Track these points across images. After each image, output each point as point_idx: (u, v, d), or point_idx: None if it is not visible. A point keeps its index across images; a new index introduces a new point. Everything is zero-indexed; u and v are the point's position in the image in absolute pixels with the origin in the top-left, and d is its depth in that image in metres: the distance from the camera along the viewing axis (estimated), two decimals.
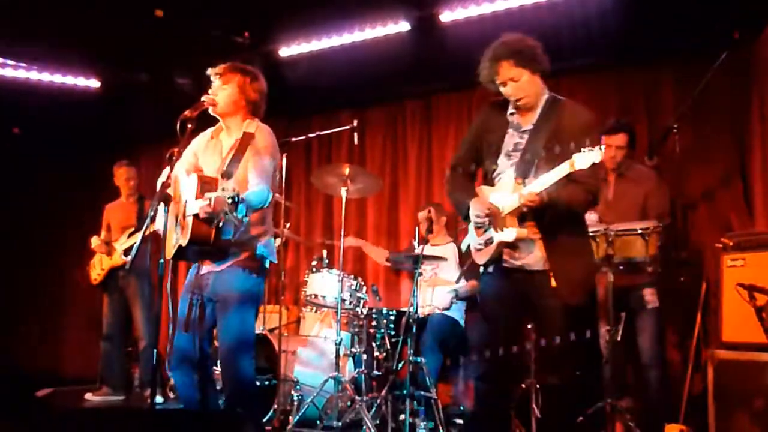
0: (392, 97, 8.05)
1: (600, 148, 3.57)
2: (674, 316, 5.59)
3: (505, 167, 3.98)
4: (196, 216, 3.87)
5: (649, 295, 5.29)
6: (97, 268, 7.43)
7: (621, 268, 5.04)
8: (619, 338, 5.01)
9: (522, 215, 3.87)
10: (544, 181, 3.71)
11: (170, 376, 6.81)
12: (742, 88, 6.00)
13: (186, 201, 4.01)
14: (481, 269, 4.12)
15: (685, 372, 5.43)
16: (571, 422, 4.08)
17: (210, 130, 4.40)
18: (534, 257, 3.91)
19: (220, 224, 3.90)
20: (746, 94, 5.98)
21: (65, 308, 9.97)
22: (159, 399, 6.77)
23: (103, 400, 7.18)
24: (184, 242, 3.95)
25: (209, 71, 4.30)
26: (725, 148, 6.12)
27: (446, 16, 6.55)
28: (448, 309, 6.28)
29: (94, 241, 7.36)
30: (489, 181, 4.07)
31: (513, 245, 3.91)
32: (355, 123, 6.18)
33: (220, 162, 4.19)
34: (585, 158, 3.58)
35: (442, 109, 7.75)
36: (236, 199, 3.64)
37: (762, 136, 5.73)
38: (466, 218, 4.11)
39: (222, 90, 4.24)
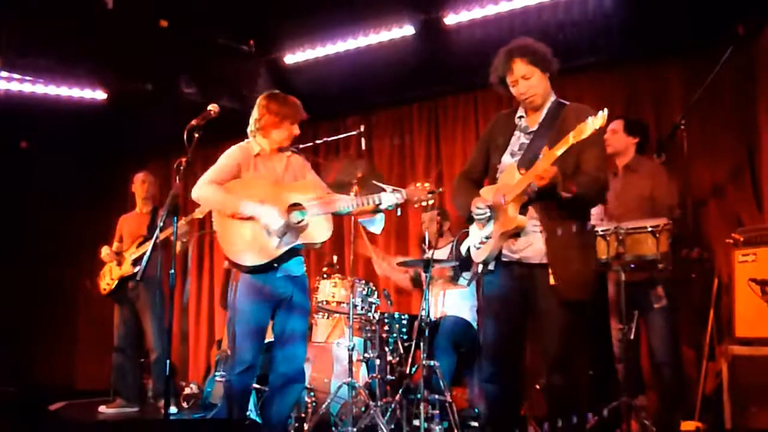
0: (398, 101, 8.06)
1: (603, 111, 3.57)
2: (687, 313, 5.57)
3: (509, 163, 4.02)
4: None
5: (657, 294, 5.27)
6: (107, 278, 7.34)
7: (632, 266, 5.03)
8: (632, 336, 4.99)
9: (524, 204, 3.88)
10: (552, 157, 3.71)
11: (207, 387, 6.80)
12: (748, 83, 5.99)
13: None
14: (480, 268, 4.11)
15: (699, 369, 5.40)
16: (580, 424, 4.05)
17: (246, 147, 4.67)
18: (533, 249, 3.91)
19: None
20: (752, 89, 5.97)
21: (77, 321, 10.00)
22: (173, 410, 6.76)
23: (117, 412, 7.15)
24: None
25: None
26: (733, 144, 6.11)
27: (451, 19, 6.56)
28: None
29: (104, 251, 7.31)
30: (493, 181, 4.12)
31: (514, 235, 3.92)
32: (362, 128, 6.17)
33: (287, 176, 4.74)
34: (590, 124, 3.58)
35: (449, 112, 7.75)
36: None
37: None
38: (469, 220, 4.15)
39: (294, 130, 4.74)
